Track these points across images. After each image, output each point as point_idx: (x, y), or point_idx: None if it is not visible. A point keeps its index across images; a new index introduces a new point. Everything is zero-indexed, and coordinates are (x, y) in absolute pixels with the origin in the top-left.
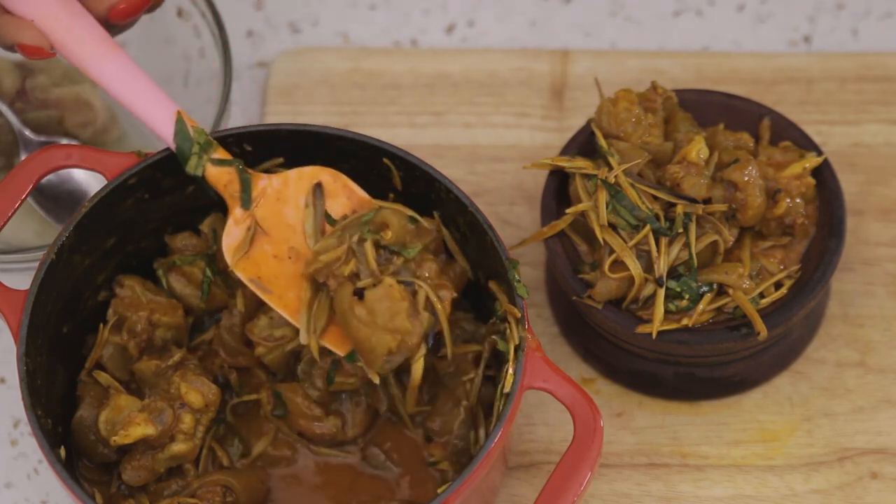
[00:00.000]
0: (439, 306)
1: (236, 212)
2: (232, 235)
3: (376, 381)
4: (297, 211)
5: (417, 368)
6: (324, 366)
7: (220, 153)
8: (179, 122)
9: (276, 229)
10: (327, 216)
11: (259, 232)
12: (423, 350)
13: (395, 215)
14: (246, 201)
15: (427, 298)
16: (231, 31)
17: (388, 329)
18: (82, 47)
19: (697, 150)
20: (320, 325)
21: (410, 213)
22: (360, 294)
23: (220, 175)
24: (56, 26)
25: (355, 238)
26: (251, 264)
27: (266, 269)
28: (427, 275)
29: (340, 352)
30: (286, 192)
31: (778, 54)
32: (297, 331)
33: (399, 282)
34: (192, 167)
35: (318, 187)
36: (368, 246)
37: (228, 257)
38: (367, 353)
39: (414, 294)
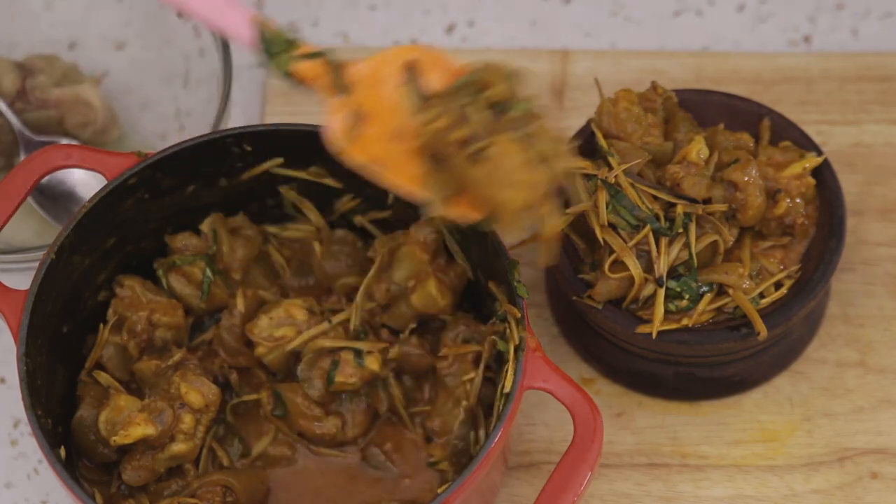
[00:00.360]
0: (557, 159)
1: (333, 101)
2: (335, 124)
3: (764, 337)
4: (395, 91)
5: (551, 225)
6: (323, 366)
7: (305, 48)
8: (258, 26)
9: (377, 112)
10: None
11: (360, 118)
12: (551, 205)
13: (495, 73)
14: (342, 88)
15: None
16: None
17: (513, 185)
18: None
19: (697, 150)
20: (446, 195)
21: (508, 68)
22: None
23: (310, 69)
24: None
25: (461, 103)
26: (359, 149)
27: (374, 152)
28: (537, 129)
29: (470, 218)
30: (381, 74)
31: (778, 54)
32: (297, 331)
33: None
34: (281, 65)
35: (410, 65)
36: (476, 107)
37: (337, 143)
38: (500, 213)
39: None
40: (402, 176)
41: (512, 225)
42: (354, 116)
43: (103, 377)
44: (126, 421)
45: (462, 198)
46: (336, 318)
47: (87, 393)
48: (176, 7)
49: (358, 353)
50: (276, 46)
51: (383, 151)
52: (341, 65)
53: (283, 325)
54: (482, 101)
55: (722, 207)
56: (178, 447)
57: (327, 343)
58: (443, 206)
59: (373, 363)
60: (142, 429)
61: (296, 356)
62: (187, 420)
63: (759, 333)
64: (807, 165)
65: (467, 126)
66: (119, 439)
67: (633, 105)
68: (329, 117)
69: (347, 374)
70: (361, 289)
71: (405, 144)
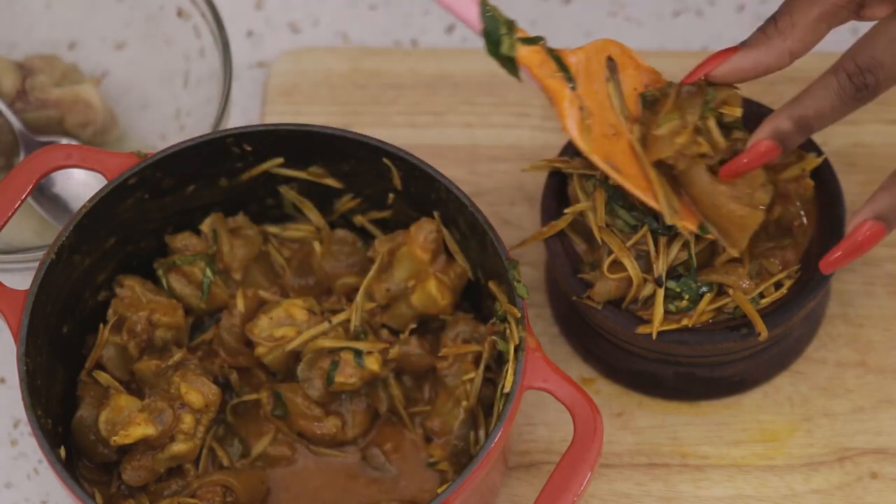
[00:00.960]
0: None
1: (567, 92)
2: (574, 118)
3: (737, 254)
4: (603, 86)
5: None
6: (323, 366)
7: (522, 32)
8: (479, 3)
9: (596, 106)
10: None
11: (587, 112)
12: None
13: (734, 95)
14: (570, 79)
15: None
16: (231, 31)
17: (751, 202)
18: None
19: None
20: (676, 205)
21: (737, 91)
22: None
23: (532, 55)
24: None
25: (696, 116)
26: (597, 146)
27: (603, 149)
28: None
29: (692, 228)
30: (591, 68)
31: None
32: (297, 331)
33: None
34: (505, 49)
35: (610, 60)
36: (713, 124)
37: (583, 144)
38: (738, 230)
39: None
40: (631, 179)
41: (742, 242)
42: (583, 112)
43: (103, 377)
44: (126, 421)
45: (683, 206)
46: (336, 319)
47: (87, 393)
48: None
49: (358, 354)
50: (500, 28)
51: (605, 150)
52: (560, 53)
53: (283, 325)
54: (718, 116)
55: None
56: (179, 447)
57: (327, 343)
58: (673, 216)
59: (373, 363)
60: (142, 429)
61: (296, 356)
62: (187, 420)
63: (759, 334)
64: (805, 168)
65: (703, 141)
66: (119, 439)
67: None
68: (565, 113)
69: (347, 375)
70: (361, 289)
71: (620, 144)
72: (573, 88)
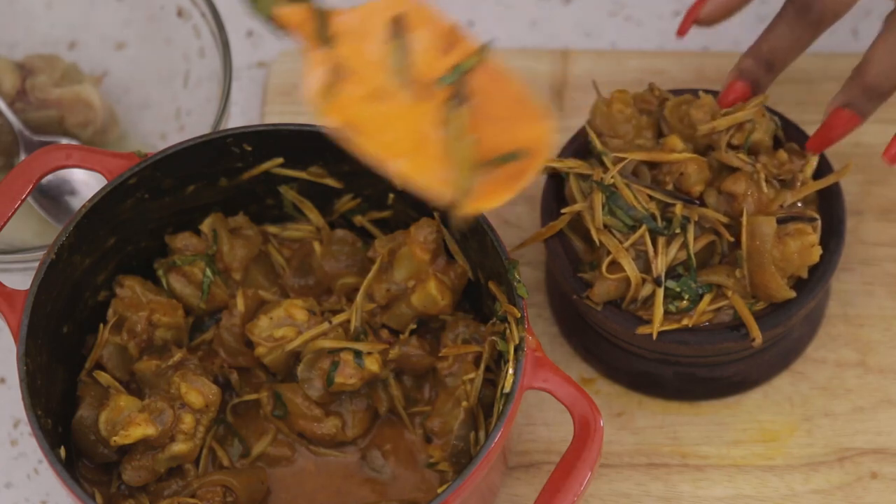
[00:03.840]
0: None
1: (315, 53)
2: (315, 79)
3: (759, 343)
4: (380, 46)
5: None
6: (323, 367)
7: None
8: None
9: (361, 67)
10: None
11: (341, 74)
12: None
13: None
14: (326, 39)
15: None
16: (231, 31)
17: (785, 273)
18: None
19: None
20: (470, 184)
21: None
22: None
23: (293, 14)
24: None
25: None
26: (337, 109)
27: (355, 112)
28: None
29: (498, 203)
30: (367, 27)
31: None
32: (297, 331)
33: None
34: (262, 7)
35: (398, 20)
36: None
37: (313, 104)
38: (764, 292)
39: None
40: (374, 143)
41: (761, 294)
42: (335, 72)
43: (103, 377)
44: (126, 421)
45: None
46: (336, 319)
47: (87, 393)
48: None
49: (358, 354)
50: None
51: (359, 114)
52: (327, 13)
53: (283, 326)
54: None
55: (722, 218)
56: (179, 447)
57: (327, 344)
58: (460, 196)
59: (373, 364)
60: (142, 429)
61: (296, 356)
62: (187, 420)
63: (754, 339)
64: (812, 241)
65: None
66: (119, 439)
67: (627, 106)
68: (308, 70)
69: (347, 375)
70: (362, 290)
71: (387, 107)
72: (328, 48)
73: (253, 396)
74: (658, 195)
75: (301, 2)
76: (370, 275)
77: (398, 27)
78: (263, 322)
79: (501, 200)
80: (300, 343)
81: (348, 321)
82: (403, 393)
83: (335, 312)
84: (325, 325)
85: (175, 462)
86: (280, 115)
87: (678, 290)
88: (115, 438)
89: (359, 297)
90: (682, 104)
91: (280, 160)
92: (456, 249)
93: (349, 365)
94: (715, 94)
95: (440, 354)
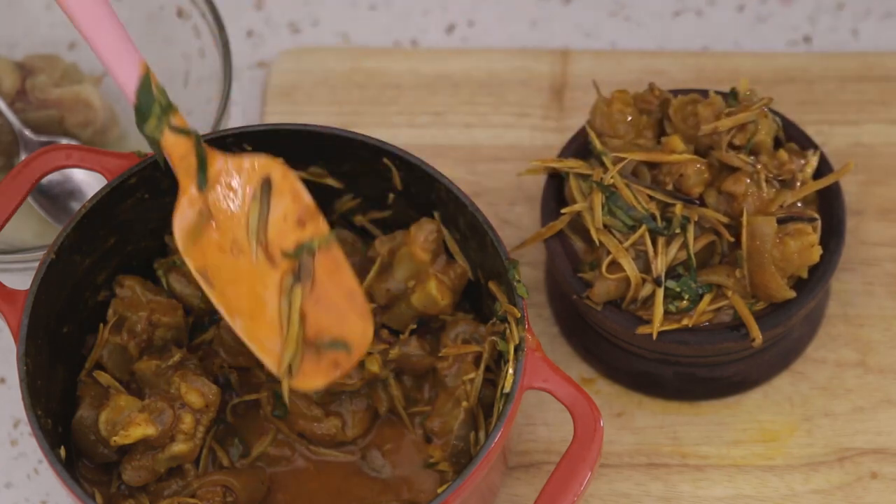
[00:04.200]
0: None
1: (191, 191)
2: (185, 218)
3: (759, 344)
4: (245, 202)
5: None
6: None
7: (179, 120)
8: (145, 75)
9: (223, 217)
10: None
11: (207, 219)
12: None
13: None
14: (202, 181)
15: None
16: (231, 31)
17: (785, 274)
18: None
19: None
20: (297, 361)
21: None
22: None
23: (177, 145)
24: None
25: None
26: (199, 252)
27: (210, 259)
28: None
29: (313, 387)
30: (238, 180)
31: (778, 54)
32: None
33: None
34: (150, 129)
35: (267, 182)
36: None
37: (180, 242)
38: (763, 291)
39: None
40: (223, 298)
41: (760, 294)
42: (202, 215)
43: (103, 377)
44: (126, 421)
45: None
46: None
47: (86, 393)
48: (77, 29)
49: None
50: (152, 107)
51: (215, 261)
52: (207, 153)
53: None
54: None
55: (723, 219)
56: (179, 447)
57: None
58: (283, 371)
59: (373, 364)
60: (142, 429)
61: None
62: (187, 420)
63: (753, 339)
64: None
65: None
66: (119, 439)
67: (628, 106)
68: (179, 208)
69: (347, 375)
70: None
71: (236, 262)
72: (201, 190)
73: (253, 396)
74: (658, 195)
75: (187, 135)
76: (370, 275)
77: (264, 188)
78: None
79: (316, 385)
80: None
81: None
82: (403, 393)
83: None
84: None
85: (175, 462)
86: (280, 115)
87: (678, 290)
88: (114, 438)
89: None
90: (688, 103)
91: (280, 160)
92: (456, 249)
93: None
94: (720, 94)
95: (440, 354)
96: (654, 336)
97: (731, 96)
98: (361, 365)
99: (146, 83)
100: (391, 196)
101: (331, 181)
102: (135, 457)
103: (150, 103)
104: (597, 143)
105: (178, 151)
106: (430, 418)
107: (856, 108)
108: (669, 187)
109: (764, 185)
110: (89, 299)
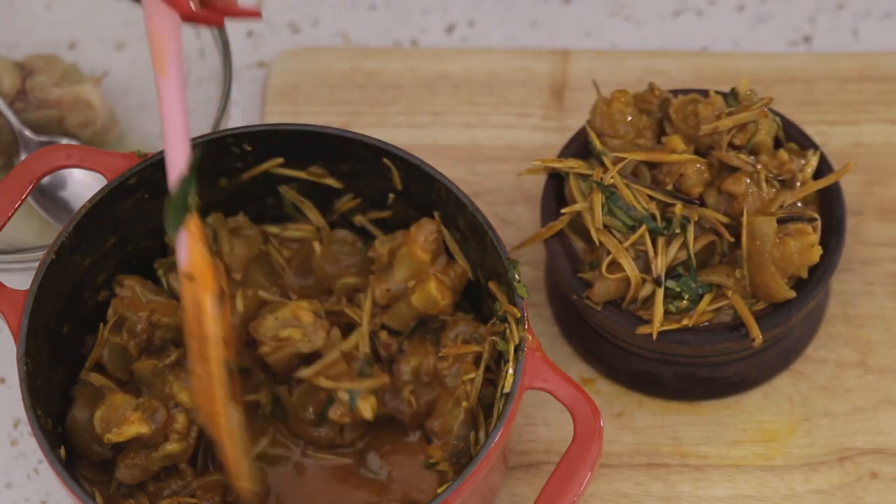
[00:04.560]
0: None
1: (211, 270)
2: (213, 292)
3: (759, 344)
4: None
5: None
6: (321, 397)
7: (195, 225)
8: (189, 174)
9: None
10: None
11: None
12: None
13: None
14: (189, 277)
15: None
16: (231, 31)
17: (785, 274)
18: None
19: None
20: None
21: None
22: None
23: (199, 229)
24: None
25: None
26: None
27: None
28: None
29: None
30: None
31: (778, 54)
32: (302, 333)
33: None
34: (170, 229)
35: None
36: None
37: (212, 322)
38: (764, 292)
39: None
40: (193, 385)
41: (760, 294)
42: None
43: (97, 378)
44: (120, 419)
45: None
46: (345, 346)
47: (81, 393)
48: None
49: (353, 395)
50: (186, 197)
51: (192, 352)
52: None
53: (288, 327)
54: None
55: (722, 219)
56: (172, 446)
57: (324, 384)
58: (241, 481)
59: (366, 409)
60: (135, 427)
61: (298, 358)
62: (181, 420)
63: (753, 339)
64: (812, 241)
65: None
66: (112, 437)
67: (628, 106)
68: (208, 284)
69: (339, 415)
70: (365, 316)
71: (206, 354)
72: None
73: (252, 398)
74: (658, 195)
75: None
76: (367, 308)
77: (220, 295)
78: (269, 321)
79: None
80: (312, 373)
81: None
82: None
83: (337, 314)
84: (337, 354)
85: (169, 461)
86: (280, 115)
87: (678, 290)
88: (108, 436)
89: (364, 323)
90: (688, 103)
91: (280, 160)
92: (456, 249)
93: (343, 405)
94: (720, 94)
95: (440, 354)
96: (654, 336)
97: (731, 96)
98: (353, 407)
99: (186, 178)
100: (391, 196)
101: (331, 181)
102: (129, 455)
103: (186, 195)
104: (597, 143)
105: (199, 232)
106: (430, 418)
107: (856, 108)
108: (669, 187)
109: (764, 185)
110: (89, 299)
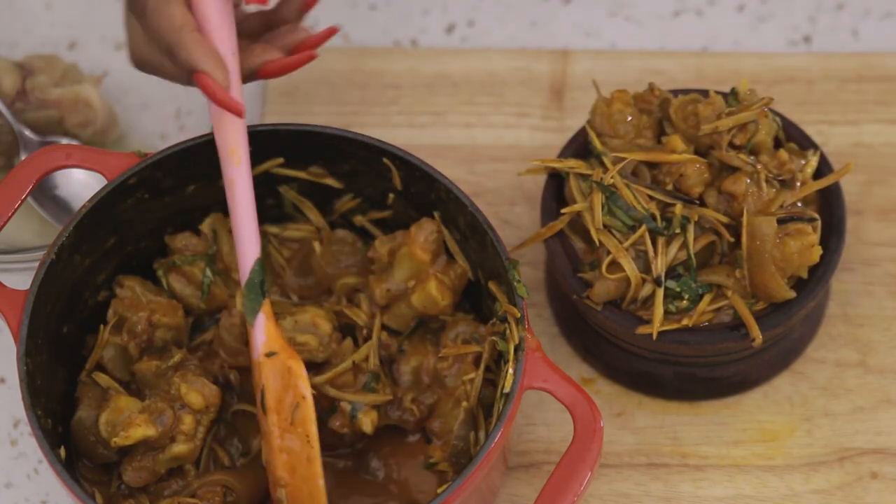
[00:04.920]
0: None
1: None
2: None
3: (759, 344)
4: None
5: None
6: (322, 404)
7: (267, 309)
8: (259, 266)
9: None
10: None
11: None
12: None
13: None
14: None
15: None
16: None
17: (785, 274)
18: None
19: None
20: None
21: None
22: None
23: (271, 310)
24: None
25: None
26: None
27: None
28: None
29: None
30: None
31: (778, 54)
32: (319, 342)
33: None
34: (248, 315)
35: (286, 380)
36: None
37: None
38: (763, 292)
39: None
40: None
41: (760, 294)
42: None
43: (103, 378)
44: (126, 422)
45: None
46: (356, 356)
47: (85, 394)
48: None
49: (356, 407)
50: (261, 284)
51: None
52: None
53: (306, 333)
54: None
55: (722, 219)
56: (179, 448)
57: (330, 392)
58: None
59: (366, 424)
60: (142, 430)
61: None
62: (188, 421)
63: (753, 339)
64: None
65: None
66: (119, 441)
67: (628, 106)
68: (300, 367)
69: (339, 425)
70: (375, 329)
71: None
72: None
73: (253, 409)
74: (658, 195)
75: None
76: (376, 325)
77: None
78: (287, 323)
79: None
80: (323, 380)
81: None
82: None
83: (337, 314)
84: (349, 364)
85: (175, 463)
86: (280, 115)
87: (678, 290)
88: (115, 440)
89: (374, 335)
90: (688, 103)
91: (280, 160)
92: (456, 249)
93: (343, 415)
94: (720, 94)
95: (440, 354)
96: (654, 336)
97: (732, 96)
98: (354, 418)
99: (260, 265)
100: (391, 196)
101: (331, 181)
102: (135, 458)
103: (260, 280)
104: (597, 143)
105: (271, 313)
106: (430, 419)
107: (856, 108)
108: (669, 187)
109: (764, 185)
110: (89, 299)
